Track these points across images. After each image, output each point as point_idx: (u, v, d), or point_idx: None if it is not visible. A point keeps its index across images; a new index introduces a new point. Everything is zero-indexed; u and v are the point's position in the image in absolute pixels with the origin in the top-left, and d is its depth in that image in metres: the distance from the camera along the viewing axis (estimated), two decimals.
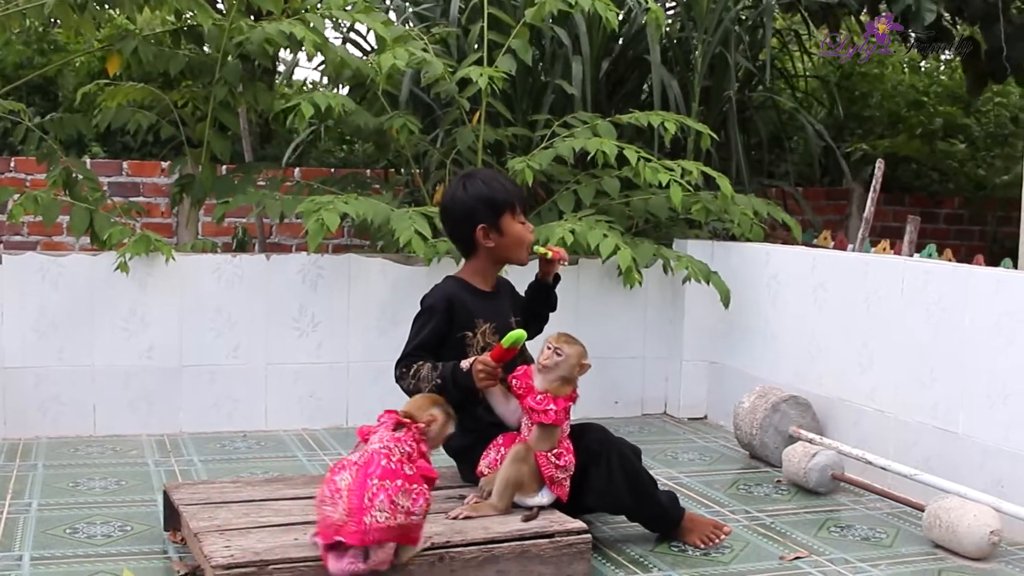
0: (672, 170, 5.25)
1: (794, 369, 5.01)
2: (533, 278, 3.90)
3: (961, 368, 4.11)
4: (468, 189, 3.71)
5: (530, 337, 3.62)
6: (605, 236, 5.02)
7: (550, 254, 3.77)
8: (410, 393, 3.61)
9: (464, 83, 5.60)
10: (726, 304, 5.28)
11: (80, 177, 5.45)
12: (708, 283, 5.25)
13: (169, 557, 3.45)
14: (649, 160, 5.30)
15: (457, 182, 3.80)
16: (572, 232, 4.96)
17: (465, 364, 3.53)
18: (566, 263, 3.81)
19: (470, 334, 3.67)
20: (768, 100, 7.61)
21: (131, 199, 7.29)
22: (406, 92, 6.32)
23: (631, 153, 5.25)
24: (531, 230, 3.76)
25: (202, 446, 4.81)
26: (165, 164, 7.65)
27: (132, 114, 5.63)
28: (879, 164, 5.43)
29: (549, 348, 3.49)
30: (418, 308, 3.75)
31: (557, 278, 3.87)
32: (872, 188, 5.36)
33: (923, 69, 10.97)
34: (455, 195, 3.77)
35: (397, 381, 3.66)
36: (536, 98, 6.42)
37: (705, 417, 5.67)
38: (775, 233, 6.50)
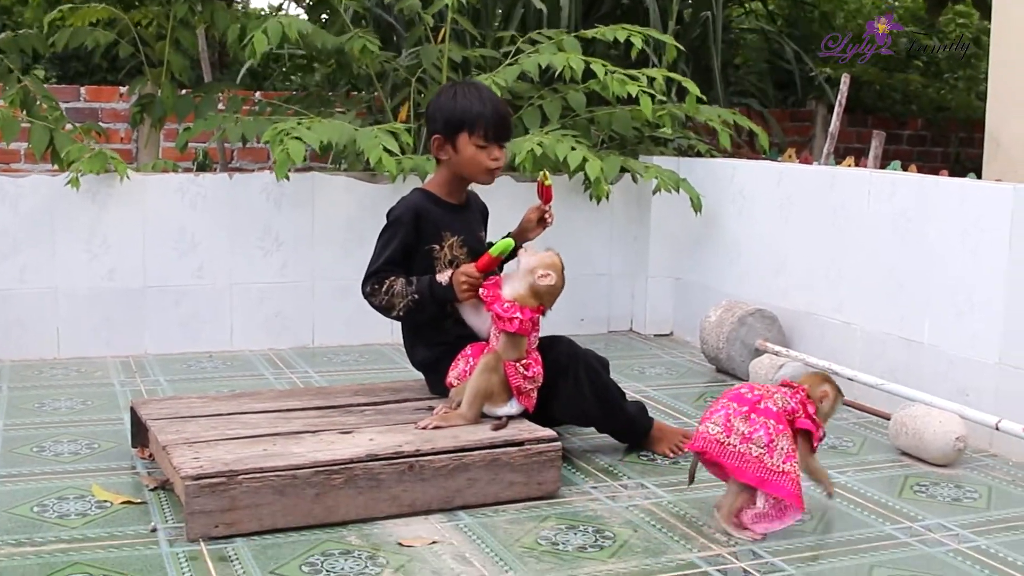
0: (638, 79, 5.22)
1: (760, 283, 5.03)
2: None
3: (927, 279, 4.13)
4: (442, 97, 3.65)
5: None
6: (573, 149, 5.00)
7: (548, 181, 3.69)
8: (382, 309, 3.58)
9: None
10: (698, 209, 5.25)
11: (38, 97, 5.35)
12: (678, 191, 5.24)
13: (137, 472, 3.44)
14: (614, 72, 5.26)
15: (444, 87, 3.76)
16: (540, 145, 4.92)
17: (443, 277, 3.51)
18: (548, 219, 3.74)
19: (437, 247, 3.63)
20: (739, 20, 7.59)
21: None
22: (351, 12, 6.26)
23: (598, 67, 5.20)
24: (494, 157, 3.63)
25: (167, 367, 4.78)
26: (124, 89, 7.55)
27: (90, 33, 5.53)
28: (844, 79, 5.42)
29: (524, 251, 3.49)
30: (384, 225, 3.71)
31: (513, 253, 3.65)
32: (838, 103, 5.35)
33: None
34: (434, 99, 3.73)
35: (367, 298, 3.61)
36: (506, 14, 6.35)
37: (671, 333, 5.69)
38: (740, 152, 6.50)
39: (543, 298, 3.45)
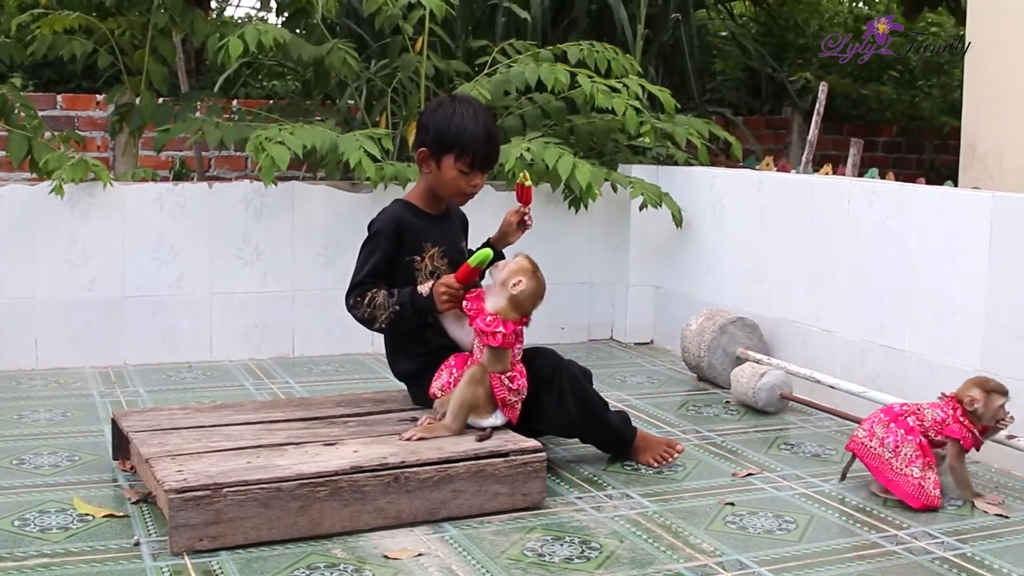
0: (617, 90, 5.23)
1: (741, 291, 5.04)
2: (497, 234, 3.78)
3: (907, 286, 4.14)
4: (439, 111, 3.62)
5: None
6: (561, 156, 5.00)
7: (527, 182, 3.69)
8: (365, 322, 3.58)
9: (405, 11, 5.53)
10: (678, 223, 5.27)
11: (16, 106, 5.32)
12: (661, 206, 5.25)
13: (119, 485, 3.41)
14: (593, 79, 5.27)
15: (442, 99, 3.73)
16: (528, 150, 4.92)
17: (423, 289, 3.50)
18: (528, 221, 3.74)
19: (418, 258, 3.62)
20: (709, 24, 7.61)
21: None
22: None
23: (584, 79, 5.23)
24: (473, 184, 3.63)
25: (147, 377, 4.76)
26: (100, 97, 7.51)
27: (68, 42, 5.49)
28: (823, 87, 5.44)
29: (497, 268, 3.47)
30: (364, 235, 3.70)
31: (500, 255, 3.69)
32: (816, 111, 5.37)
33: None
34: (430, 108, 3.70)
35: (350, 311, 3.61)
36: (480, 23, 6.35)
37: (652, 342, 5.69)
38: (718, 160, 6.52)
39: (524, 305, 3.43)
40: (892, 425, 3.37)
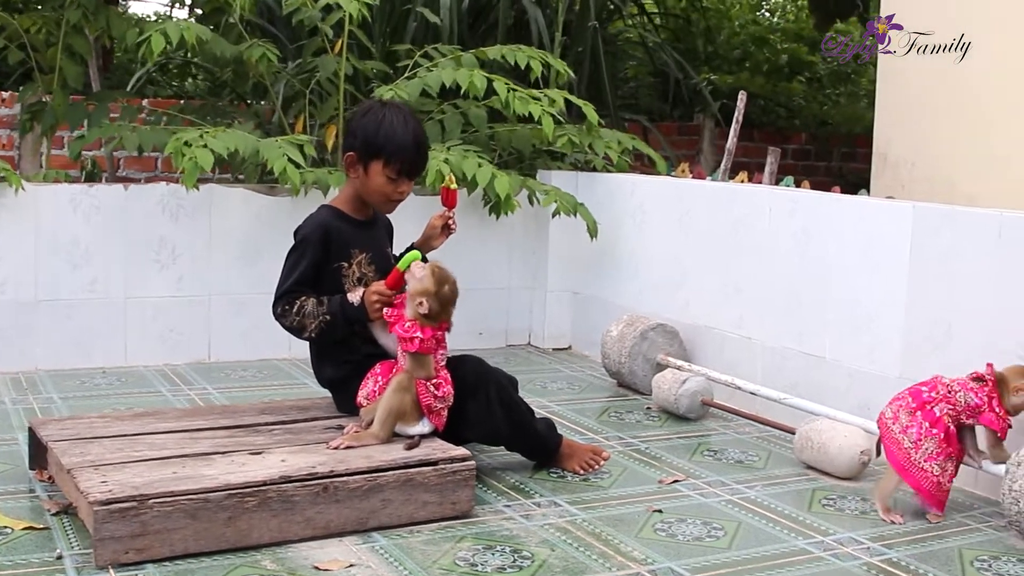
0: (539, 99, 5.24)
1: (661, 298, 5.06)
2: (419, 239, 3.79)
3: (826, 294, 4.19)
4: (368, 116, 3.60)
5: None
6: (480, 166, 4.99)
7: (453, 185, 3.70)
8: (293, 330, 3.53)
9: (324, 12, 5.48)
10: (593, 235, 5.28)
11: None
12: (576, 215, 5.26)
13: (37, 496, 3.33)
14: (515, 90, 5.27)
15: (372, 104, 3.71)
16: (447, 162, 4.90)
17: (354, 297, 3.47)
18: (452, 225, 3.75)
19: (346, 265, 3.59)
20: (624, 32, 7.66)
21: None
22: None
23: (500, 85, 5.22)
24: (400, 191, 3.61)
25: (60, 383, 4.65)
26: (7, 94, 7.35)
27: None
28: (741, 96, 5.50)
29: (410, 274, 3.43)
30: (285, 240, 3.64)
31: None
32: (735, 119, 5.42)
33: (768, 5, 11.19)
34: (358, 113, 3.69)
35: (278, 319, 3.55)
36: (396, 27, 6.32)
37: (570, 347, 5.70)
38: (635, 167, 6.55)
39: (432, 320, 3.40)
40: (918, 414, 3.29)
